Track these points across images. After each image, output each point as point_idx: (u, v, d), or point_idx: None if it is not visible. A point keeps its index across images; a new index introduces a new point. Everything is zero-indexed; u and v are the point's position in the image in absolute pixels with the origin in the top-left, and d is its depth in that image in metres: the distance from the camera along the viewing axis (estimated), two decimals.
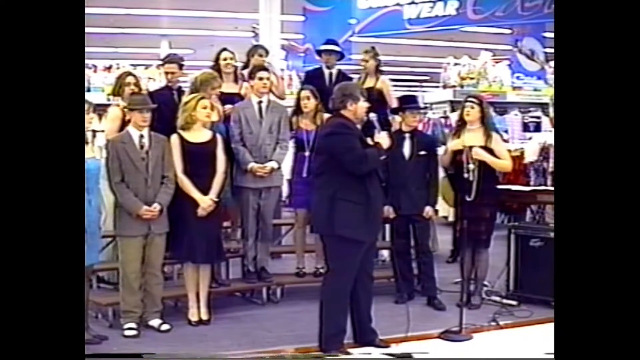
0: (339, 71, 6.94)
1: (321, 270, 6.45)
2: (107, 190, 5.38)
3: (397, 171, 5.90)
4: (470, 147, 5.90)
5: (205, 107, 5.49)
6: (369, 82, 6.89)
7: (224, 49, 6.61)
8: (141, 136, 5.25)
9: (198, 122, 5.47)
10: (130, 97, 5.51)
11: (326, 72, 6.87)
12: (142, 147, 5.24)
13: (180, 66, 6.29)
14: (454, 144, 5.99)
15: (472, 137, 5.97)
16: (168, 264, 5.88)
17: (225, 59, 6.49)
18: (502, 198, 6.77)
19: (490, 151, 5.90)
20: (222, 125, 5.99)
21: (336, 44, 7.12)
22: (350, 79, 7.04)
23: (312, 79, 6.81)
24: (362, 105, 4.78)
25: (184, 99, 5.65)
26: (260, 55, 6.80)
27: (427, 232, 6.34)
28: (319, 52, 7.07)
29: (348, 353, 4.69)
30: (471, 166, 5.84)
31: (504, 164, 6.00)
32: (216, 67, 6.44)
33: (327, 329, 4.73)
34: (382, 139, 4.83)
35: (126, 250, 5.27)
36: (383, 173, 4.83)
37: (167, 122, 5.55)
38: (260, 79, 6.06)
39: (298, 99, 6.28)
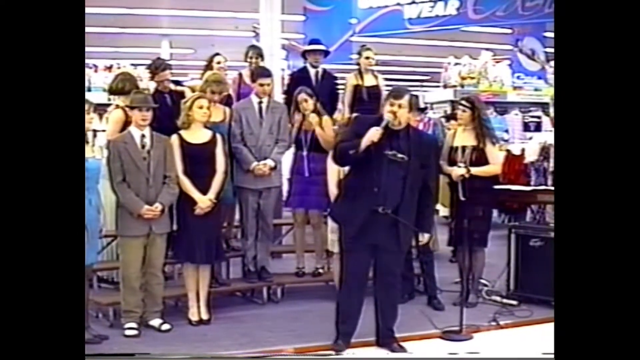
0: (324, 70, 6.95)
1: (320, 270, 6.47)
2: (107, 190, 5.38)
3: None
4: (463, 147, 5.96)
5: (201, 107, 5.47)
6: (371, 81, 6.90)
7: (217, 54, 6.91)
8: (143, 136, 5.25)
9: (196, 122, 5.47)
10: (132, 96, 5.49)
11: (312, 71, 6.88)
12: (143, 146, 5.24)
13: (171, 70, 6.31)
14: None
15: (465, 137, 6.02)
16: (168, 263, 5.88)
17: (219, 62, 6.77)
18: (501, 198, 6.76)
19: (482, 152, 5.92)
20: (223, 125, 5.97)
21: (320, 42, 7.13)
22: (335, 77, 7.09)
23: (299, 79, 6.80)
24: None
25: (185, 99, 5.65)
26: (251, 58, 6.91)
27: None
28: (304, 54, 7.08)
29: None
30: (461, 165, 5.85)
31: (490, 169, 5.98)
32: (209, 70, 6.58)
33: (338, 327, 4.90)
34: (370, 132, 4.64)
35: (127, 250, 5.27)
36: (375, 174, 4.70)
37: (163, 125, 5.53)
38: (261, 85, 6.07)
39: (296, 103, 6.25)
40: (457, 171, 5.87)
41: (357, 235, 4.75)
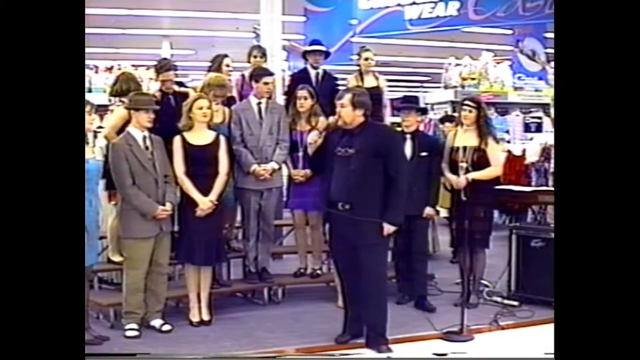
0: (325, 71, 6.95)
1: (318, 272, 6.47)
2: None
3: None
4: (464, 147, 5.94)
5: (201, 108, 5.47)
6: (372, 82, 6.88)
7: (226, 55, 6.84)
8: (144, 137, 5.25)
9: (199, 123, 5.47)
10: (135, 97, 5.46)
11: (312, 72, 6.87)
12: (147, 148, 5.24)
13: (175, 71, 6.30)
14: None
15: (467, 137, 6.00)
16: (170, 264, 5.87)
17: (228, 65, 6.73)
18: (502, 198, 6.76)
19: (484, 152, 5.91)
20: (224, 127, 5.97)
21: (321, 43, 7.14)
22: (336, 78, 7.09)
23: (299, 80, 6.79)
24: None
25: (186, 101, 5.64)
26: (255, 57, 6.90)
27: (425, 232, 6.34)
28: (304, 55, 7.08)
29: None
30: (463, 165, 5.82)
31: (491, 172, 5.97)
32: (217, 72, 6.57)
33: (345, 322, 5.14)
34: (309, 136, 5.01)
35: (136, 252, 5.24)
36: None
37: (166, 126, 5.54)
38: (266, 83, 6.07)
39: (295, 99, 6.25)
40: (460, 182, 5.82)
41: (332, 235, 5.05)
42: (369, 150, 4.79)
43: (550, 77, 12.12)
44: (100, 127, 6.71)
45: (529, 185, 8.85)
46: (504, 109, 11.48)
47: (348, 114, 4.88)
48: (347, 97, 4.89)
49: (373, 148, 4.81)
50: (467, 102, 6.16)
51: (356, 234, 4.76)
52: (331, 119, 4.94)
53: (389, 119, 7.22)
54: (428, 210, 6.07)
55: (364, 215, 4.71)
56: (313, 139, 4.82)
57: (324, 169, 5.05)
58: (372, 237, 4.78)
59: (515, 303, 6.07)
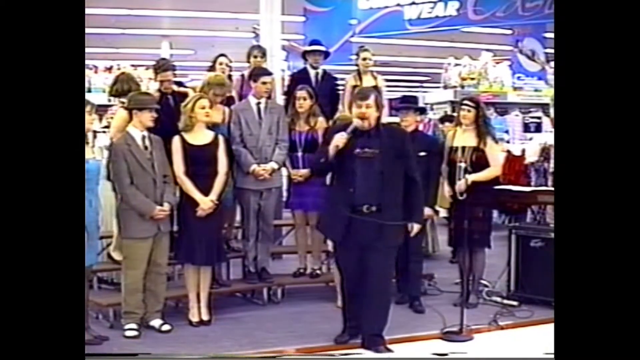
0: (324, 71, 6.97)
1: (318, 272, 6.47)
2: (106, 191, 5.37)
3: None
4: (463, 147, 5.94)
5: (203, 107, 5.47)
6: (370, 82, 6.89)
7: (221, 55, 6.92)
8: (143, 137, 5.25)
9: (198, 123, 5.47)
10: (138, 97, 5.46)
11: (312, 72, 6.89)
12: (146, 148, 5.24)
13: (174, 71, 6.29)
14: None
15: (466, 137, 6.01)
16: (169, 264, 5.87)
17: (221, 64, 6.80)
18: (501, 198, 6.75)
19: (483, 152, 5.91)
20: (224, 127, 5.98)
21: (320, 43, 7.15)
22: (335, 78, 7.11)
23: (299, 80, 6.80)
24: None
25: (185, 101, 5.64)
26: (255, 57, 6.91)
27: (421, 232, 6.33)
28: (304, 55, 7.09)
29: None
30: (462, 165, 5.80)
31: (491, 173, 5.98)
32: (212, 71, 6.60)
33: (345, 323, 5.11)
34: (335, 139, 4.77)
35: (135, 252, 5.25)
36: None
37: (165, 126, 5.53)
38: (264, 83, 6.07)
39: (294, 99, 6.25)
40: (459, 187, 5.80)
41: (342, 240, 4.88)
42: (390, 150, 4.78)
43: (550, 77, 12.13)
44: (106, 126, 6.71)
45: (529, 185, 8.85)
46: (503, 109, 11.50)
47: (373, 115, 4.82)
48: (373, 97, 4.83)
49: (393, 148, 4.80)
50: (465, 101, 6.16)
51: (376, 236, 4.72)
52: (356, 121, 4.82)
53: (386, 118, 7.24)
54: (427, 211, 6.05)
55: (389, 217, 4.71)
56: (341, 141, 4.69)
57: (344, 170, 4.87)
58: (391, 239, 4.81)
59: (515, 303, 6.07)
